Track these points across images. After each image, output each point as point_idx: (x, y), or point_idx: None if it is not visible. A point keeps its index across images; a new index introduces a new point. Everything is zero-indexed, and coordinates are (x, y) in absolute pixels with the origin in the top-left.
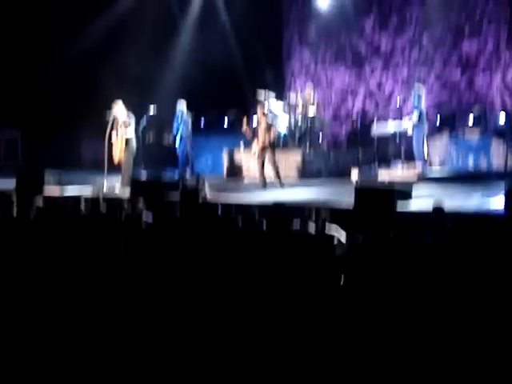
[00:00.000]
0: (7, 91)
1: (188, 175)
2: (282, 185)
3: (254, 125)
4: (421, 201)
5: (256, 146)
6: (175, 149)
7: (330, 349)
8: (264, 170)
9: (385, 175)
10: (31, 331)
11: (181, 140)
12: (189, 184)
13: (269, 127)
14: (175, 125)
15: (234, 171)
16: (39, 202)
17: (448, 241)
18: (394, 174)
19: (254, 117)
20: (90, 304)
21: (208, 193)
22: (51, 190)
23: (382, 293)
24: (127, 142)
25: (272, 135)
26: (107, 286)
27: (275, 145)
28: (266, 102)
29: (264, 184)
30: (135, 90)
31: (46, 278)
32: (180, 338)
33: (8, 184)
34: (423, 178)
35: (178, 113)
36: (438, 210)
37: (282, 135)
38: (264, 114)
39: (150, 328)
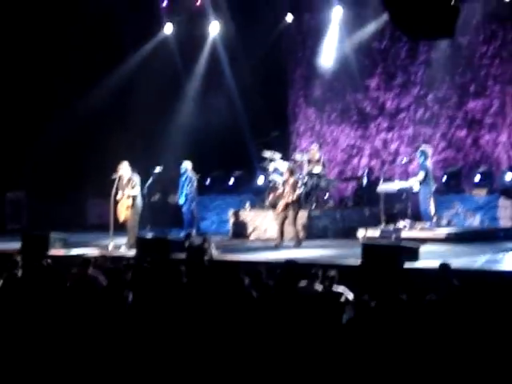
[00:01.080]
0: (12, 152)
1: (194, 235)
2: (298, 244)
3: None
4: (428, 261)
5: (280, 204)
6: (180, 209)
7: None
8: (283, 227)
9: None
10: None
11: (186, 200)
12: (195, 243)
13: (295, 184)
14: (180, 185)
15: (240, 231)
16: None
17: (455, 298)
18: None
19: (261, 177)
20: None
21: (214, 252)
22: (56, 252)
23: (390, 353)
24: (133, 201)
25: (297, 193)
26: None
27: (300, 203)
28: (273, 163)
29: (279, 242)
30: (141, 151)
31: (53, 337)
32: None
33: (13, 245)
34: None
35: (183, 173)
36: (444, 267)
37: None
38: (291, 171)
39: None
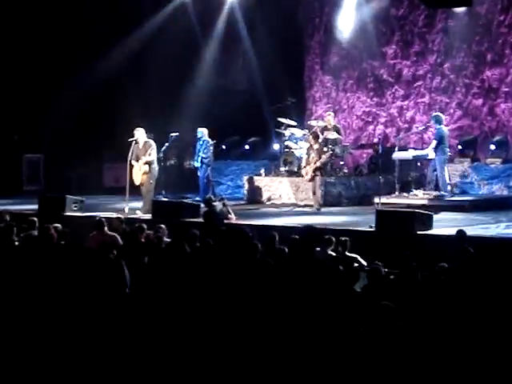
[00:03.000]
0: (30, 116)
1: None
2: (318, 209)
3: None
4: (442, 229)
5: (309, 170)
6: (196, 173)
7: (350, 374)
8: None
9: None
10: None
11: (201, 165)
12: (217, 208)
13: (320, 150)
14: (196, 150)
15: (255, 196)
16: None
17: (470, 266)
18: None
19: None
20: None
21: (231, 216)
22: (72, 214)
23: (403, 320)
24: (149, 166)
25: (323, 158)
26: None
27: (326, 169)
28: (288, 129)
29: (319, 206)
30: (157, 116)
31: (68, 297)
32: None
33: (30, 206)
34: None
35: (200, 138)
36: (460, 234)
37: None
38: (316, 136)
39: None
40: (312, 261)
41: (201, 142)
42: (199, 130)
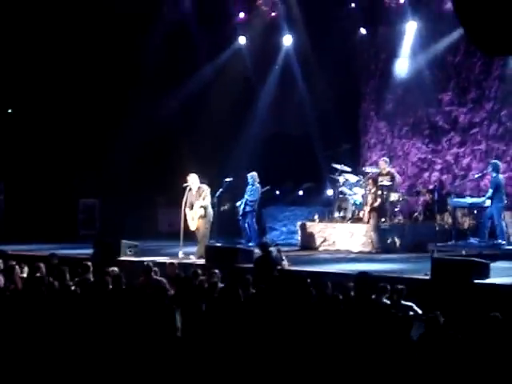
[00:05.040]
0: (86, 160)
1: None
2: (374, 252)
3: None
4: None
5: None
6: (241, 219)
7: None
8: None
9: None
10: None
11: (244, 208)
12: (272, 253)
13: (376, 193)
14: (245, 196)
15: (309, 242)
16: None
17: None
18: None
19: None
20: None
21: (284, 262)
22: (126, 258)
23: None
24: (204, 210)
25: (377, 202)
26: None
27: (380, 212)
28: (343, 175)
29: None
30: (211, 161)
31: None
32: None
33: (85, 251)
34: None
35: (248, 184)
36: None
37: (358, 203)
38: (374, 180)
39: None
40: (367, 308)
41: (249, 187)
42: (249, 174)
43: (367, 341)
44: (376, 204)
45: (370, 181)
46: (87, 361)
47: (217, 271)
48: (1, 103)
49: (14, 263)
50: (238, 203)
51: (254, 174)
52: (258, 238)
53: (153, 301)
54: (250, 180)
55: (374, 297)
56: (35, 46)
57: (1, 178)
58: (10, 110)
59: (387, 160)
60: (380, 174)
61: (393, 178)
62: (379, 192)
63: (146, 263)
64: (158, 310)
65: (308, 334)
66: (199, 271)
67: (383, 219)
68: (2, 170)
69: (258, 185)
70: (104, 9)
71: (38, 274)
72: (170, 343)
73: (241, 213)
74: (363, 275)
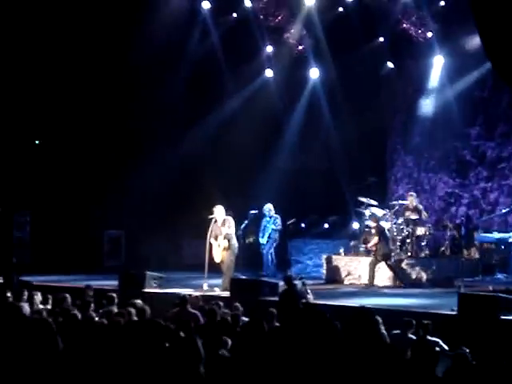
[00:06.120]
0: (111, 192)
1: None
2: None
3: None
4: None
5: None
6: (259, 249)
7: None
8: (373, 269)
9: None
10: None
11: (268, 241)
12: (297, 286)
13: (376, 231)
14: (262, 226)
15: (334, 276)
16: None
17: None
18: None
19: (355, 222)
20: None
21: (310, 296)
22: (152, 290)
23: None
24: (229, 242)
25: (374, 241)
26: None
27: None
28: (369, 209)
29: (369, 284)
30: (237, 194)
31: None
32: None
33: (110, 282)
34: None
35: (265, 215)
36: None
37: None
38: (375, 219)
39: None
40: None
41: (267, 219)
42: (265, 206)
43: (392, 376)
44: (372, 244)
45: (372, 220)
46: None
47: (238, 304)
48: (29, 134)
49: (39, 293)
50: (260, 239)
51: (270, 205)
52: (269, 269)
53: (179, 334)
54: (266, 212)
55: (399, 332)
56: (63, 80)
57: (28, 209)
58: (37, 142)
59: (415, 194)
60: (407, 208)
61: (420, 213)
62: (405, 228)
63: (182, 295)
64: (182, 344)
65: (333, 368)
66: (221, 303)
67: (409, 253)
68: (29, 200)
69: (277, 215)
70: (134, 40)
71: (64, 305)
72: (195, 378)
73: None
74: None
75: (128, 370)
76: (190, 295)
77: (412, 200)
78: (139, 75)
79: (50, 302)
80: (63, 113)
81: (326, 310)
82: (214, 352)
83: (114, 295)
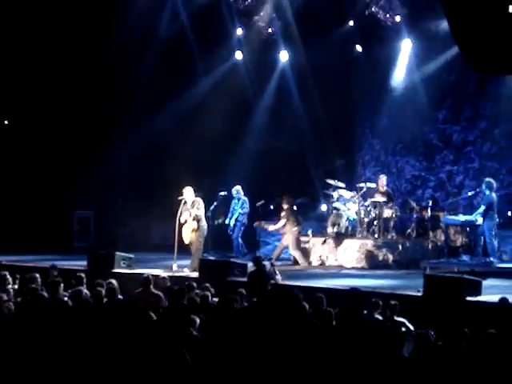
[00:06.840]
0: (81, 174)
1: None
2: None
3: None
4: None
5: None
6: (226, 231)
7: None
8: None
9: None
10: None
11: (236, 224)
12: (266, 267)
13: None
14: (231, 208)
15: (302, 257)
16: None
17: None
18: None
19: (324, 204)
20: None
21: (278, 277)
22: (120, 270)
23: None
24: (198, 223)
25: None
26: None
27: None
28: (337, 191)
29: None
30: (206, 175)
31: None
32: None
33: (79, 263)
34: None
35: (234, 198)
36: (503, 301)
37: (352, 219)
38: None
39: None
40: (360, 324)
41: (236, 201)
42: (234, 188)
43: (359, 356)
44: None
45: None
46: (78, 373)
47: (208, 285)
48: None
49: (7, 273)
50: (227, 220)
51: (238, 187)
52: (238, 252)
53: (148, 313)
54: (234, 194)
55: (365, 312)
56: (32, 58)
57: None
58: (6, 122)
59: (383, 177)
60: (377, 191)
61: (389, 196)
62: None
63: (146, 275)
64: (152, 324)
65: (300, 348)
66: (194, 284)
67: (376, 235)
68: None
69: (245, 197)
70: (103, 23)
71: (34, 285)
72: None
73: (233, 227)
74: (354, 291)
75: (99, 352)
76: (157, 276)
77: (383, 183)
78: (109, 58)
79: (17, 281)
80: (32, 93)
81: (295, 290)
82: (184, 332)
83: (83, 275)
